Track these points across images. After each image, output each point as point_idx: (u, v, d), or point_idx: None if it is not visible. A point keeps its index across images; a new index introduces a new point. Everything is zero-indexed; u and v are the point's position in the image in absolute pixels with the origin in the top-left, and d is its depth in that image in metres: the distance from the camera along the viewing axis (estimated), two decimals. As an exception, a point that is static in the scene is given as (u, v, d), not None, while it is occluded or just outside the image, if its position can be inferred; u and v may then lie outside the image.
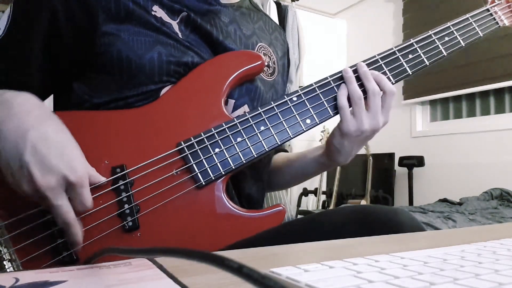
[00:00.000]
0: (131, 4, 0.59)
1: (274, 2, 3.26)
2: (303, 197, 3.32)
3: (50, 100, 0.68)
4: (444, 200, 2.47)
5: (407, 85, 3.24)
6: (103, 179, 0.53)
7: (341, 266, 0.29)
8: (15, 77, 0.59)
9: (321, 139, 3.20)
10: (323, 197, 3.38)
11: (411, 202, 2.98)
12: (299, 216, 3.01)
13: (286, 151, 0.87)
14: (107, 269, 0.30)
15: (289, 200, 3.16)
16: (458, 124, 2.96)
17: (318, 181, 3.26)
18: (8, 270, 0.48)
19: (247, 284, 0.18)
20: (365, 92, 0.64)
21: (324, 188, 3.39)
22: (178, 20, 0.63)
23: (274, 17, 3.21)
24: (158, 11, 0.61)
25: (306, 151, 0.77)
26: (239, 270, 0.18)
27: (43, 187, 0.45)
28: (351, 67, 0.66)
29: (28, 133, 0.47)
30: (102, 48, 0.58)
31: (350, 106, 0.64)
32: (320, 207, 3.30)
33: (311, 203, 3.54)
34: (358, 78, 0.64)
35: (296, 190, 3.33)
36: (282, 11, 3.28)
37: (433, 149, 2.99)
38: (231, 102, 0.64)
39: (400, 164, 3.04)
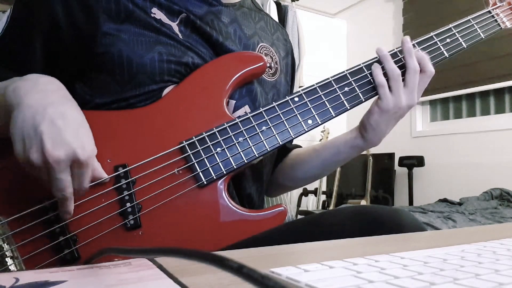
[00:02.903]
0: (131, 5, 0.60)
1: (274, 2, 3.26)
2: (303, 197, 3.32)
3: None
4: (444, 200, 2.47)
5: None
6: (105, 175, 0.54)
7: (341, 266, 0.29)
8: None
9: (321, 139, 3.20)
10: (323, 197, 3.37)
11: (411, 202, 2.98)
12: (299, 216, 3.02)
13: (299, 146, 0.86)
14: (107, 269, 0.30)
15: (289, 200, 3.17)
16: (458, 124, 2.96)
17: (318, 181, 3.26)
18: (10, 267, 0.49)
19: (247, 284, 0.18)
20: (402, 67, 0.65)
21: (324, 188, 3.39)
22: (177, 22, 0.63)
23: (274, 17, 3.21)
24: (157, 13, 0.61)
25: (334, 138, 0.76)
26: (239, 270, 0.18)
27: (52, 158, 0.46)
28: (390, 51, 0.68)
29: (48, 108, 0.48)
30: (103, 48, 0.58)
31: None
32: (320, 207, 3.30)
33: (311, 203, 3.54)
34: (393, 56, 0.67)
35: (296, 190, 3.33)
36: (282, 11, 3.29)
37: (433, 149, 2.99)
38: (232, 102, 0.64)
39: (400, 164, 3.04)
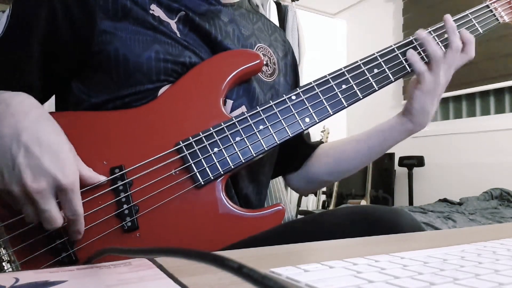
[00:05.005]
0: (128, 3, 0.59)
1: (274, 2, 3.26)
2: (303, 197, 3.32)
3: (51, 101, 0.68)
4: (444, 200, 2.47)
5: (407, 85, 3.24)
6: (102, 178, 0.53)
7: (341, 266, 0.29)
8: (16, 77, 0.58)
9: (321, 139, 3.20)
10: (323, 197, 3.37)
11: (411, 202, 2.98)
12: (299, 216, 3.02)
13: (322, 142, 0.86)
14: (107, 269, 0.30)
15: (289, 200, 3.16)
16: (458, 124, 2.96)
17: (318, 181, 3.25)
18: (7, 271, 0.48)
19: (247, 284, 0.18)
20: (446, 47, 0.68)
21: (324, 188, 3.39)
22: (176, 19, 0.63)
23: (274, 17, 3.21)
24: (156, 10, 0.61)
25: (378, 126, 0.76)
26: (239, 270, 0.18)
27: (33, 190, 0.45)
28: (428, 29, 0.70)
29: (22, 135, 0.47)
30: (99, 46, 0.58)
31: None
32: (320, 207, 3.30)
33: (311, 203, 3.54)
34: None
35: (296, 190, 3.33)
36: (282, 11, 3.28)
37: (433, 149, 2.99)
38: (229, 102, 0.64)
39: (400, 164, 3.04)
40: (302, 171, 0.82)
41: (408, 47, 0.69)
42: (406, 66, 0.68)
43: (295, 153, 0.82)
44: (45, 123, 0.50)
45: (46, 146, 0.47)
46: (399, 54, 0.68)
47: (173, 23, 0.62)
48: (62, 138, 0.50)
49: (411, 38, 0.70)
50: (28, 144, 0.46)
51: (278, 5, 3.29)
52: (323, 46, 3.76)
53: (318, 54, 3.65)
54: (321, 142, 0.86)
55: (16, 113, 0.49)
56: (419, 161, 2.95)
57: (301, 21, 3.36)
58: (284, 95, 0.62)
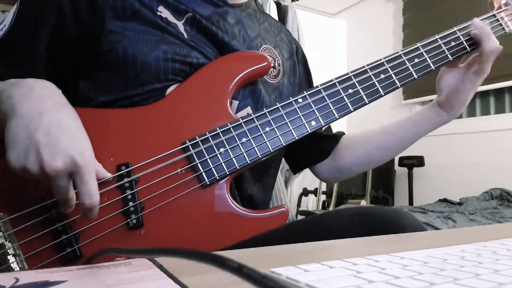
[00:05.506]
0: (137, 3, 0.60)
1: (274, 2, 3.26)
2: (303, 197, 3.32)
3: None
4: (444, 200, 2.46)
5: (407, 85, 3.24)
6: (108, 175, 0.53)
7: (341, 266, 0.29)
8: (19, 76, 0.58)
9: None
10: (323, 197, 3.37)
11: (411, 202, 2.98)
12: (299, 217, 3.02)
13: (343, 133, 0.87)
14: (107, 269, 0.30)
15: (289, 200, 3.16)
16: (458, 124, 2.96)
17: (318, 181, 3.26)
18: (12, 265, 0.49)
19: (247, 284, 0.18)
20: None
21: (324, 188, 3.39)
22: (183, 21, 0.63)
23: (274, 17, 3.21)
24: (164, 12, 0.62)
25: (411, 118, 0.78)
26: (239, 270, 0.18)
27: (50, 168, 0.45)
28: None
29: (43, 115, 0.47)
30: (107, 46, 0.58)
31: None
32: (320, 207, 3.30)
33: (311, 203, 3.54)
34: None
35: (296, 190, 3.33)
36: (282, 11, 3.28)
37: (433, 149, 2.99)
38: (235, 103, 0.64)
39: (400, 164, 3.04)
40: (332, 163, 0.84)
41: (414, 54, 0.69)
42: (413, 72, 0.69)
43: (317, 146, 0.82)
44: (66, 109, 0.51)
45: (66, 128, 0.48)
46: (405, 60, 0.69)
47: (180, 25, 0.63)
48: (80, 125, 0.51)
49: (418, 45, 0.70)
50: (47, 125, 0.47)
51: (278, 5, 3.29)
52: (323, 46, 3.76)
53: (318, 54, 3.65)
54: (343, 133, 0.87)
55: (38, 96, 0.50)
56: (419, 161, 2.95)
57: (301, 21, 3.36)
58: (290, 98, 0.63)
